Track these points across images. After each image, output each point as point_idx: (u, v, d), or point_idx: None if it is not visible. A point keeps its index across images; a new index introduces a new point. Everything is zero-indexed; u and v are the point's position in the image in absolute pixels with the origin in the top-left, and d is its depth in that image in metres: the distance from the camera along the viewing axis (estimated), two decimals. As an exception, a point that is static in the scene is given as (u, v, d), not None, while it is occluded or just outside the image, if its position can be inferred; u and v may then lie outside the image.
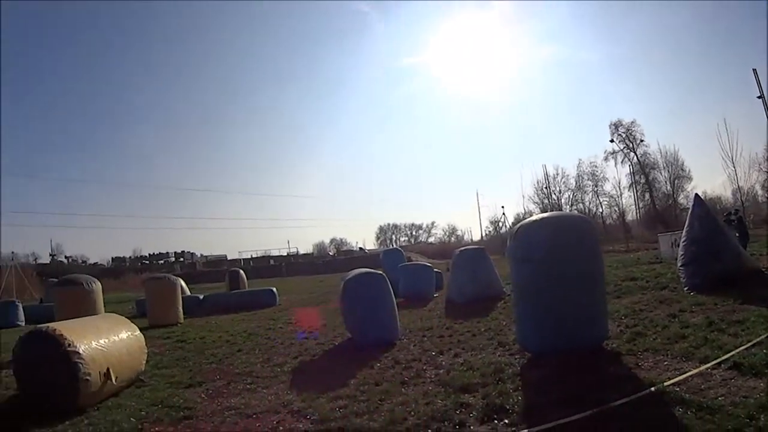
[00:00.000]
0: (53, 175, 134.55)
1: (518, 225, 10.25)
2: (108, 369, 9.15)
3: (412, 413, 7.07)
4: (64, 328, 9.20)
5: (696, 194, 17.38)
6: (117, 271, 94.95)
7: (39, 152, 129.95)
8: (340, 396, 8.27)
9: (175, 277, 25.94)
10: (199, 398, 9.18)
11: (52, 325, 9.38)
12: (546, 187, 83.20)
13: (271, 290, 29.44)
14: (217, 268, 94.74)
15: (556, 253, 9.04)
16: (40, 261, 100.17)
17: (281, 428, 7.13)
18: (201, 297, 29.42)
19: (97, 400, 9.01)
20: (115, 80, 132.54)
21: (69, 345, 8.66)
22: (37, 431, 7.82)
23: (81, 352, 8.74)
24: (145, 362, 11.29)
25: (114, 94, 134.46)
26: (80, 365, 8.58)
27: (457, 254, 21.42)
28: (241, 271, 39.21)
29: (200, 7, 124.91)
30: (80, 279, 17.32)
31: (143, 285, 27.48)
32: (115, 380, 9.32)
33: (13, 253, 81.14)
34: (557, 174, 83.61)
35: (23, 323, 30.45)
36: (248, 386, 9.72)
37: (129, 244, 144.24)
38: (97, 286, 17.04)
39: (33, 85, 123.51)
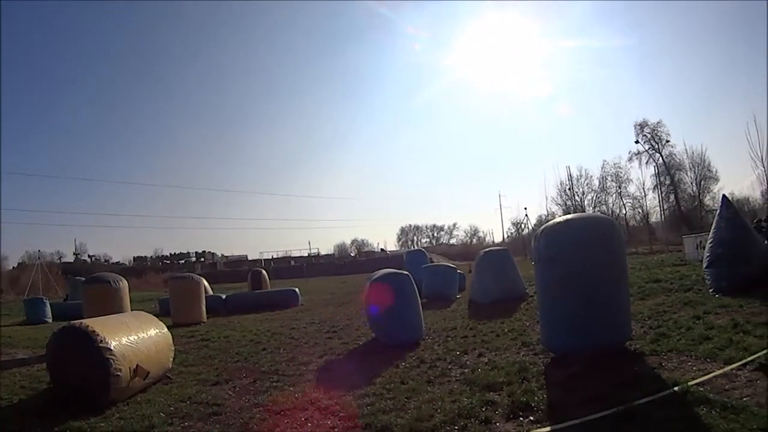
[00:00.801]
0: (78, 175, 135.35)
1: (543, 226, 10.27)
2: (137, 365, 9.32)
3: (439, 410, 7.14)
4: (96, 324, 9.40)
5: (723, 195, 17.27)
6: (138, 270, 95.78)
7: (64, 152, 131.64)
8: (366, 394, 8.38)
9: (198, 276, 26.19)
10: (227, 395, 9.31)
11: (84, 321, 9.57)
12: (569, 189, 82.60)
13: (294, 290, 29.56)
14: (238, 268, 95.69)
15: (580, 254, 9.07)
16: (64, 260, 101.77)
17: (309, 425, 7.22)
18: (224, 296, 29.52)
19: (126, 396, 9.19)
20: (144, 80, 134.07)
21: (101, 341, 8.84)
22: (70, 424, 7.97)
23: (112, 348, 8.93)
24: (172, 360, 11.50)
25: (141, 93, 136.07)
26: (112, 361, 8.75)
27: (481, 255, 21.55)
28: (264, 272, 39.39)
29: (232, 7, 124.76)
30: (108, 277, 17.62)
31: (165, 284, 27.82)
32: (145, 376, 9.52)
33: (38, 251, 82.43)
34: (581, 175, 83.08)
35: (50, 320, 31.09)
36: (275, 384, 9.83)
37: (150, 243, 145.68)
38: (124, 284, 17.35)
39: (59, 83, 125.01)
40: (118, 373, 8.82)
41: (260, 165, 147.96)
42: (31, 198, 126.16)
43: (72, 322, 9.59)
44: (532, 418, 6.64)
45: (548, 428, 6.28)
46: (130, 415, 8.33)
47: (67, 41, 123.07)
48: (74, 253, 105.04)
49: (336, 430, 6.96)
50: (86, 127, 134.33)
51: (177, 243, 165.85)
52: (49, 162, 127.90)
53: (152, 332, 10.93)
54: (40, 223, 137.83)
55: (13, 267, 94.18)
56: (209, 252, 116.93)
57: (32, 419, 8.48)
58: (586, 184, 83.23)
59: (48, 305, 33.10)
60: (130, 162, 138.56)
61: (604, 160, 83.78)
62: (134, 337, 9.99)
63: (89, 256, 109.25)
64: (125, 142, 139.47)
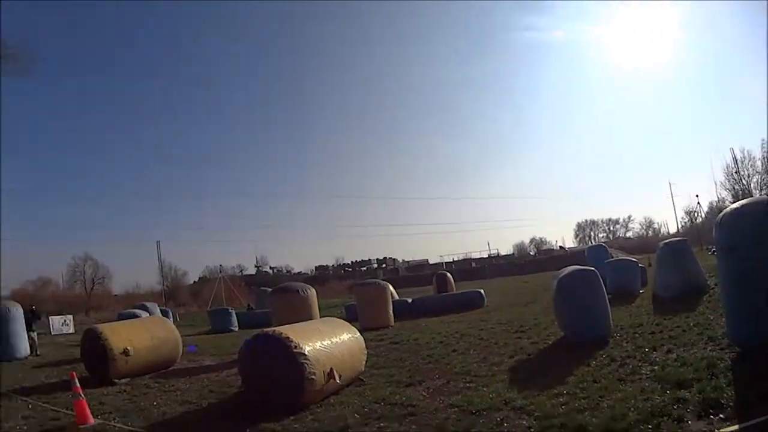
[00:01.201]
0: (258, 190, 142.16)
1: (722, 213, 9.80)
2: (331, 368, 9.76)
3: (632, 409, 7.05)
4: (290, 331, 9.98)
5: None
6: (321, 278, 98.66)
7: (239, 172, 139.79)
8: (559, 393, 8.34)
9: (384, 281, 26.86)
10: (420, 396, 9.52)
11: (278, 328, 10.19)
12: (736, 172, 76.76)
13: (479, 292, 29.62)
14: (419, 272, 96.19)
15: (763, 241, 8.59)
16: (245, 272, 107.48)
17: (505, 425, 7.28)
18: (410, 300, 30.18)
19: (320, 398, 9.69)
20: (321, 91, 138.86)
21: (296, 347, 9.36)
22: (262, 425, 8.53)
23: (306, 353, 9.43)
24: (364, 363, 11.92)
25: (318, 104, 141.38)
26: (306, 365, 9.25)
27: (661, 247, 20.81)
28: (449, 274, 39.60)
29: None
30: (296, 286, 18.67)
31: (348, 291, 28.64)
32: (339, 378, 9.94)
33: (220, 266, 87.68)
34: (744, 157, 76.85)
35: (236, 328, 33.24)
36: (468, 384, 9.94)
37: (332, 252, 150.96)
38: (312, 292, 18.22)
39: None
40: (312, 377, 9.28)
41: (436, 169, 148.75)
42: (216, 215, 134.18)
43: (266, 329, 10.23)
44: (722, 416, 6.45)
45: (736, 426, 6.08)
46: (324, 417, 8.80)
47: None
48: (256, 266, 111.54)
49: (532, 430, 6.98)
50: (267, 142, 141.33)
51: (358, 251, 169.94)
52: (227, 181, 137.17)
53: (345, 336, 11.43)
54: (222, 240, 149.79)
55: (194, 281, 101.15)
56: (390, 258, 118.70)
57: (223, 422, 9.27)
58: (750, 166, 76.91)
59: (234, 315, 35.43)
60: (306, 174, 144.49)
61: (762, 139, 76.87)
62: (327, 341, 10.49)
63: (270, 267, 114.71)
64: (303, 156, 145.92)
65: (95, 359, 14.47)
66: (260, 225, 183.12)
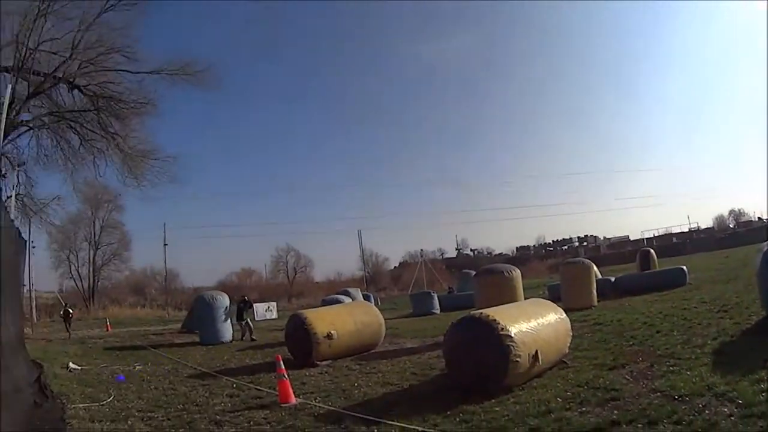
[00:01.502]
0: (456, 176, 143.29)
1: None
2: (536, 351, 9.77)
3: None
4: (496, 313, 10.09)
5: None
6: (522, 259, 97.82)
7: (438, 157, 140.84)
8: (761, 379, 7.93)
9: (588, 260, 26.37)
10: (624, 380, 9.32)
11: (485, 310, 10.32)
12: None
13: (682, 269, 28.21)
14: (620, 249, 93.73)
15: None
16: (446, 256, 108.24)
17: (707, 412, 7.01)
18: (613, 279, 29.45)
19: (522, 381, 9.72)
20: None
21: (502, 329, 9.43)
22: (463, 407, 8.65)
23: (513, 335, 9.46)
24: (569, 345, 11.85)
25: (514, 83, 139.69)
26: (512, 347, 9.26)
27: None
28: (652, 251, 38.07)
29: None
30: (501, 268, 18.76)
31: (549, 271, 28.19)
32: (541, 361, 9.92)
33: (421, 250, 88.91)
34: None
35: (438, 311, 33.73)
36: (671, 368, 9.61)
37: (532, 232, 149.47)
38: (517, 273, 18.21)
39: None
40: (517, 359, 9.30)
41: (635, 141, 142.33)
42: (416, 202, 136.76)
43: (472, 311, 10.45)
44: None
45: None
46: (526, 400, 8.78)
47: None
48: (456, 249, 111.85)
49: (732, 418, 6.71)
50: (463, 128, 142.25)
51: (559, 230, 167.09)
52: (428, 168, 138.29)
53: (551, 318, 11.45)
54: (423, 225, 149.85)
55: (395, 266, 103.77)
56: (591, 236, 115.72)
57: (424, 403, 9.40)
58: None
59: (435, 298, 35.85)
60: (503, 155, 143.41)
61: None
62: (534, 323, 10.49)
63: (471, 250, 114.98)
64: (499, 137, 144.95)
65: (299, 343, 15.47)
66: (460, 209, 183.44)
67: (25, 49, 26.34)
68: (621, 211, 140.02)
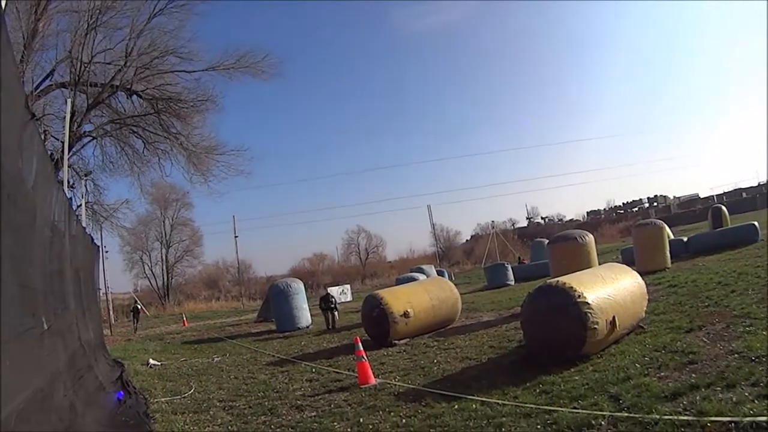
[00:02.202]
0: (523, 143, 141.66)
1: None
2: (613, 317, 9.69)
3: None
4: (573, 280, 10.03)
5: None
6: (593, 224, 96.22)
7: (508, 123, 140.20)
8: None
9: (660, 221, 25.87)
10: (701, 342, 9.22)
11: (561, 278, 10.27)
12: None
13: (753, 225, 27.72)
14: (691, 208, 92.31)
15: None
16: (517, 225, 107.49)
17: None
18: (685, 239, 29.08)
19: (600, 348, 9.66)
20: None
21: (579, 296, 9.37)
22: (542, 378, 8.68)
23: (590, 302, 9.39)
24: (645, 309, 11.69)
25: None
26: (589, 315, 9.20)
27: None
28: (723, 208, 37.19)
29: None
30: (574, 234, 18.63)
31: (620, 234, 27.82)
32: (618, 327, 9.83)
33: (492, 222, 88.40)
34: None
35: (512, 282, 33.76)
36: (748, 328, 9.47)
37: (602, 196, 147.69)
38: (590, 238, 18.10)
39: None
40: (595, 326, 9.24)
41: (697, 95, 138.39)
42: (484, 172, 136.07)
43: (548, 280, 10.37)
44: None
45: None
46: (605, 367, 8.74)
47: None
48: (527, 218, 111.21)
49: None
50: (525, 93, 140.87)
51: (629, 191, 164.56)
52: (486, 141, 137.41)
53: (627, 282, 11.29)
54: (495, 196, 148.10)
55: (466, 240, 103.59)
56: (661, 196, 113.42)
57: (503, 375, 9.45)
58: None
59: (509, 269, 35.64)
60: (565, 121, 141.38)
61: None
62: (610, 289, 10.40)
63: (542, 218, 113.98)
64: (559, 104, 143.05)
65: (376, 323, 15.55)
66: (529, 176, 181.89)
67: (79, 63, 27.02)
68: (692, 169, 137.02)
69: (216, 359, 17.02)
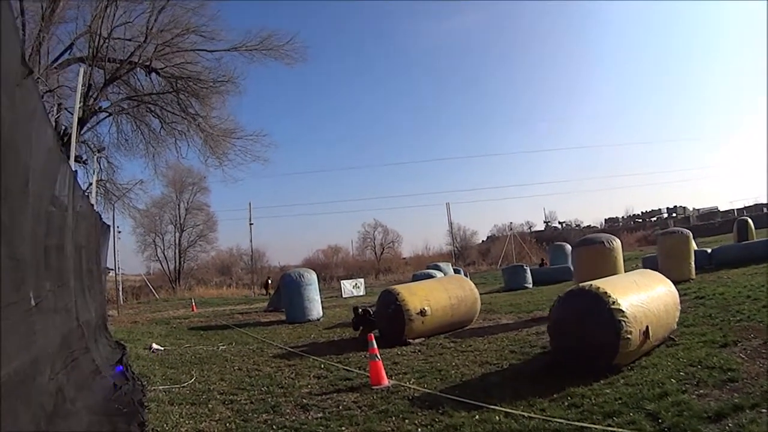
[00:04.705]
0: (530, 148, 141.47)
1: None
2: (647, 327, 9.17)
3: None
4: (606, 285, 9.49)
5: None
6: (611, 231, 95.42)
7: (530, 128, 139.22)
8: None
9: (687, 231, 25.39)
10: (739, 359, 8.82)
11: (593, 282, 9.66)
12: None
13: (775, 240, 27.12)
14: (710, 220, 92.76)
15: None
16: (534, 229, 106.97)
17: None
18: (708, 251, 28.58)
19: (631, 360, 9.15)
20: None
21: (613, 302, 8.85)
22: (570, 390, 8.12)
23: (624, 309, 8.87)
24: (677, 320, 11.17)
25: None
26: (623, 323, 8.69)
27: None
28: (750, 221, 36.61)
29: None
30: (601, 238, 18.09)
31: (637, 243, 27.42)
32: (651, 338, 9.34)
33: (510, 224, 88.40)
34: None
35: (530, 285, 33.48)
36: (786, 346, 9.05)
37: (621, 204, 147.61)
38: (617, 243, 17.58)
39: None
40: (629, 336, 8.72)
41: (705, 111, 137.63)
42: (502, 174, 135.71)
43: (581, 284, 9.79)
44: None
45: None
46: (638, 381, 8.25)
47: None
48: (545, 221, 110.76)
49: None
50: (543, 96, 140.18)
51: (648, 201, 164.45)
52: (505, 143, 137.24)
53: (661, 290, 10.80)
54: (511, 198, 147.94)
55: (483, 240, 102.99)
56: (680, 206, 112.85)
57: (527, 384, 8.90)
58: None
59: (528, 271, 35.30)
60: (585, 126, 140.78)
61: None
62: (644, 296, 9.90)
63: (559, 222, 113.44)
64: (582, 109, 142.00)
65: (390, 320, 14.97)
66: (548, 180, 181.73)
67: (98, 37, 26.66)
68: (710, 180, 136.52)
69: (221, 347, 16.61)
